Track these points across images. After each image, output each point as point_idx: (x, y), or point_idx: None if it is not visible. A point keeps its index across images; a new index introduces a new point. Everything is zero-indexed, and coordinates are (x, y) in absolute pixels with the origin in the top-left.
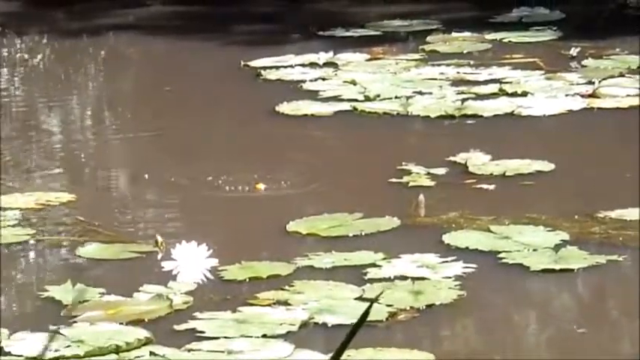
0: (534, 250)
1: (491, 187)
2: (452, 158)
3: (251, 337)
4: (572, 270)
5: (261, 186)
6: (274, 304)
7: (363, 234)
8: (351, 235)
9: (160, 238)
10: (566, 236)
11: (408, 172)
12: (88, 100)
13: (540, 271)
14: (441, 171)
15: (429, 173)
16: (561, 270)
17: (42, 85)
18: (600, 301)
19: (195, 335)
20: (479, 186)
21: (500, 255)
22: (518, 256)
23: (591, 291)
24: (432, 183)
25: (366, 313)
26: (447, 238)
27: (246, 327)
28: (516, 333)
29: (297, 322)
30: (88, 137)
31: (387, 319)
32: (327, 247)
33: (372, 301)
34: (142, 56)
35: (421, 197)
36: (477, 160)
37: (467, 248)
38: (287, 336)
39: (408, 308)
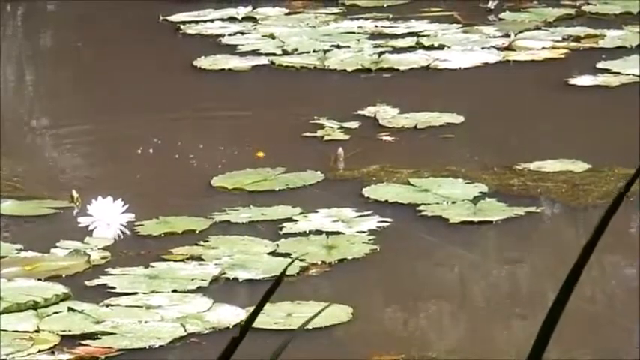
0: (453, 202)
1: (392, 139)
2: (361, 112)
3: (162, 292)
4: (491, 222)
5: (260, 154)
6: (187, 259)
7: (287, 189)
8: (277, 189)
9: (75, 194)
10: (485, 188)
11: (322, 127)
12: (3, 57)
13: (459, 223)
14: (353, 125)
15: (342, 127)
16: (480, 222)
17: None
18: (518, 252)
19: (111, 291)
20: (392, 139)
21: (420, 208)
22: (437, 209)
23: (509, 242)
24: (347, 137)
25: (280, 278)
26: (367, 192)
27: (158, 282)
28: (422, 285)
29: (209, 277)
30: (2, 94)
31: (298, 273)
32: (249, 201)
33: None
34: (61, 13)
35: (340, 151)
36: (386, 114)
37: (386, 201)
38: (198, 291)
39: (319, 263)
